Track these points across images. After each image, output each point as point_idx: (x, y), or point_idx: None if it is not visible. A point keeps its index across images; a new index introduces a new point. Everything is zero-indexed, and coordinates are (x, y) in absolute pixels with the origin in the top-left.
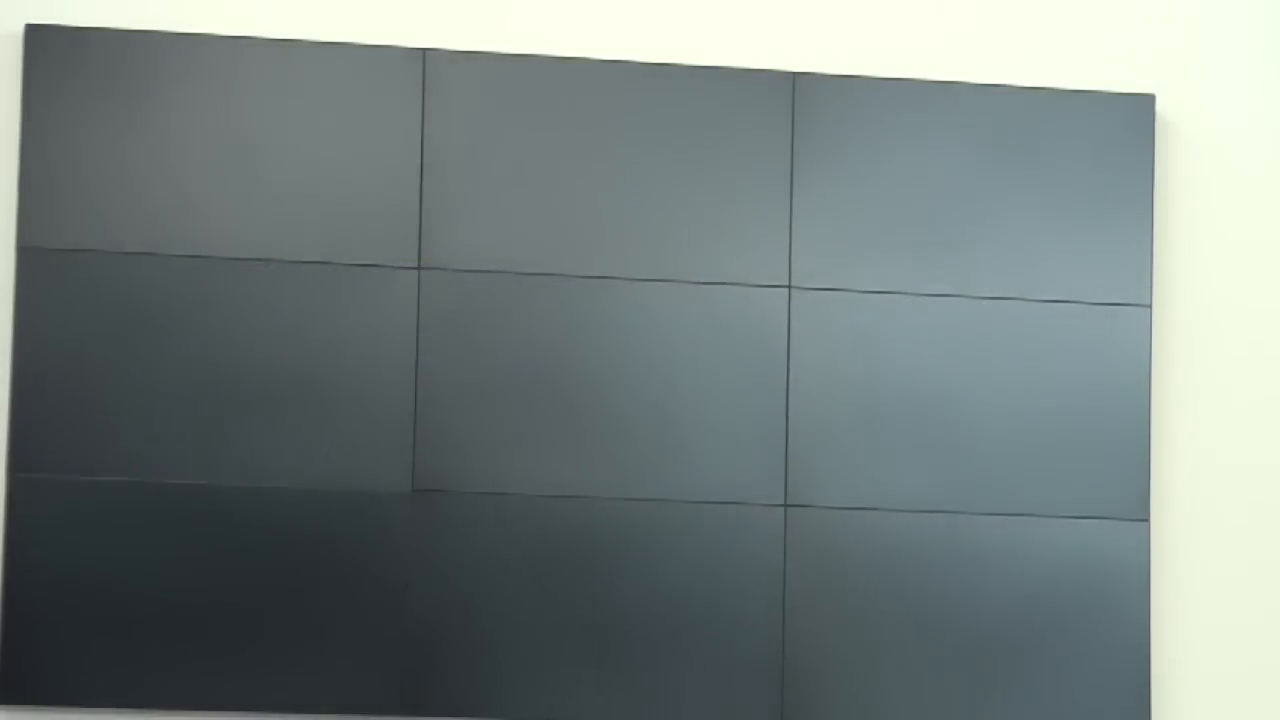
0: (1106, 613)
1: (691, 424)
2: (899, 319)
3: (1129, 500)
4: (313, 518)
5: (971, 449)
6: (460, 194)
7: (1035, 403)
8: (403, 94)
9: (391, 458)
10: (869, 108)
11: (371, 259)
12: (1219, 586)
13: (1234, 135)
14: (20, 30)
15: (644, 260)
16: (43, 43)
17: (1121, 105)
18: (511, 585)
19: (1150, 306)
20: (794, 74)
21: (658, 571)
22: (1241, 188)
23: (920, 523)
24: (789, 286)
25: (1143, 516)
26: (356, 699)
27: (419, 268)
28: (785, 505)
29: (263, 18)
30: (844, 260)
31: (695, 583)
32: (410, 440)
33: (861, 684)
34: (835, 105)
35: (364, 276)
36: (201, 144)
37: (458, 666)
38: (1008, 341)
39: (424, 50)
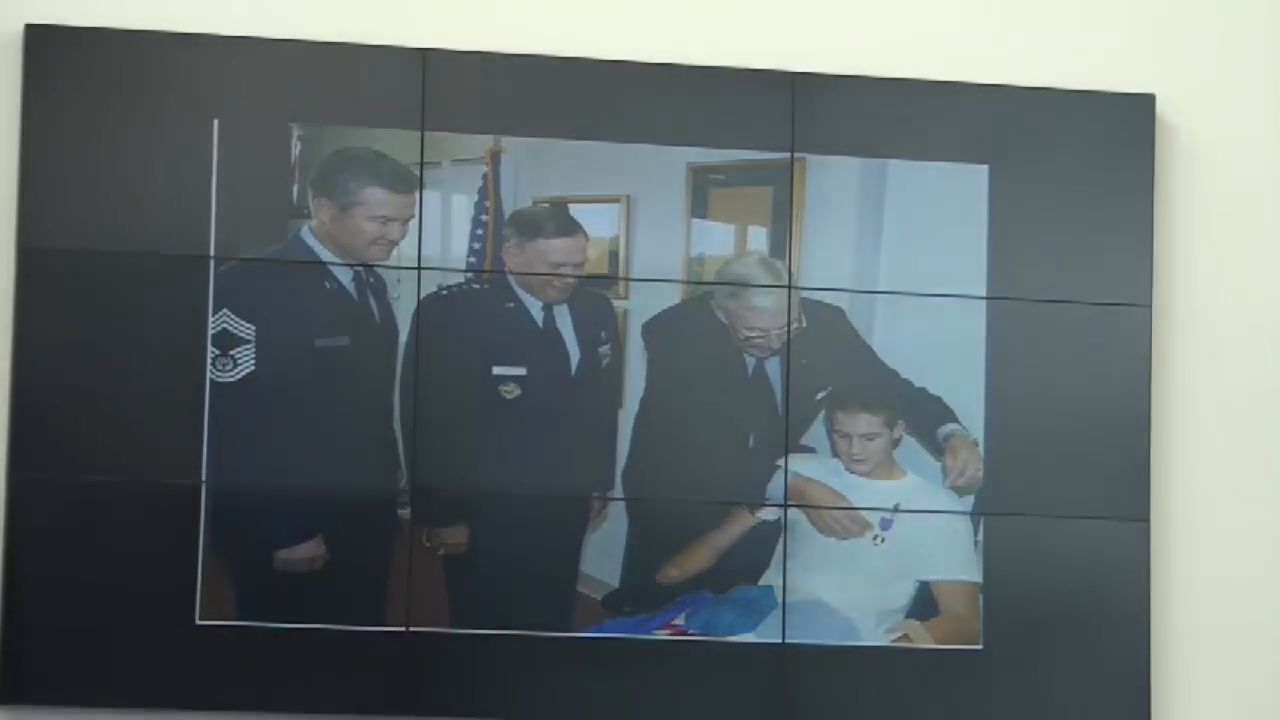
0: (1106, 613)
1: (692, 424)
2: (899, 319)
3: (1129, 500)
4: (312, 518)
5: (971, 449)
6: (460, 194)
7: (1035, 402)
8: (403, 94)
9: (391, 457)
10: (869, 108)
11: (372, 259)
12: (1219, 586)
13: (1234, 135)
14: (20, 30)
15: (645, 260)
16: (43, 43)
17: (1121, 105)
18: (510, 585)
19: (1150, 306)
20: (794, 74)
21: (657, 571)
22: (1241, 188)
23: (920, 522)
24: (789, 287)
25: (1143, 516)
26: (356, 699)
27: (419, 268)
28: (785, 505)
29: (263, 18)
30: (844, 260)
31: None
32: (410, 440)
33: (858, 681)
34: (835, 105)
35: (364, 276)
36: (201, 144)
37: (457, 667)
38: (1008, 341)
39: (424, 50)
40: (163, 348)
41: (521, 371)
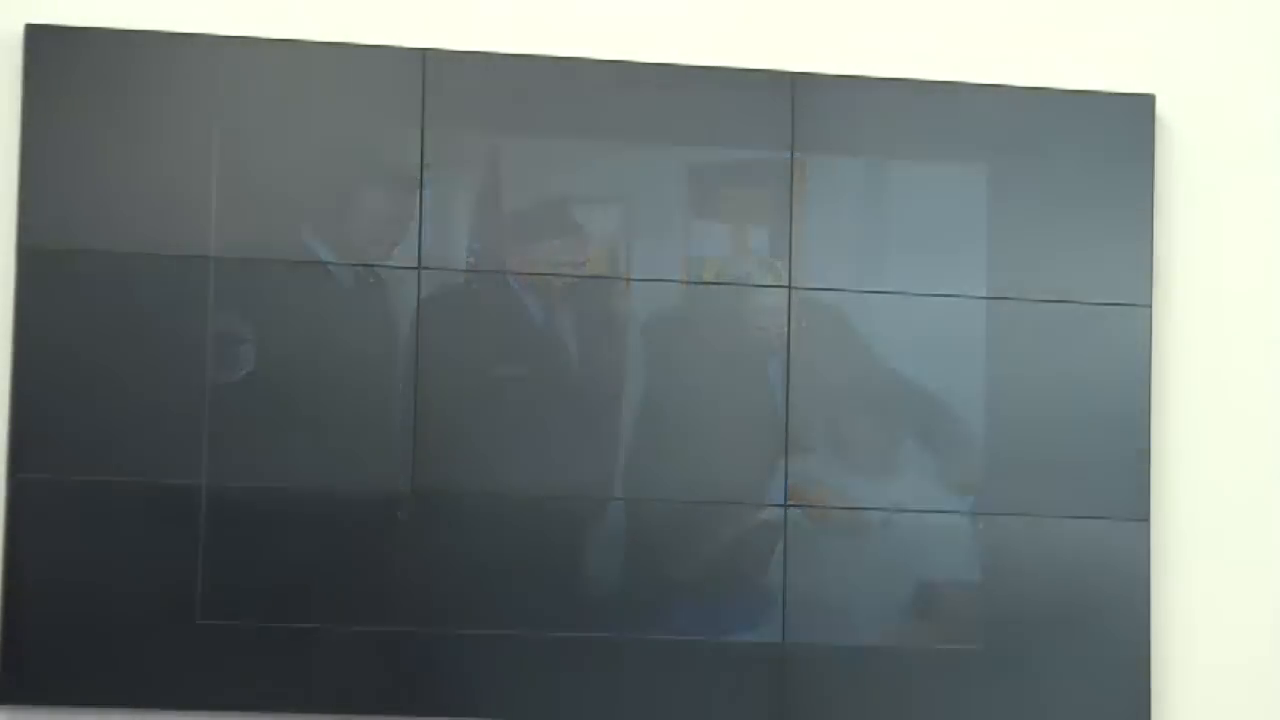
0: (1106, 612)
1: (692, 424)
2: (899, 319)
3: (1129, 500)
4: (313, 518)
5: (971, 449)
6: (460, 194)
7: (1035, 402)
8: (403, 94)
9: (391, 457)
10: (869, 108)
11: (372, 259)
12: (1219, 586)
13: (1234, 135)
14: (20, 30)
15: (645, 260)
16: (43, 43)
17: (1121, 105)
18: (510, 585)
19: (1150, 306)
20: (794, 74)
21: (657, 571)
22: (1241, 188)
23: (920, 522)
24: (789, 287)
25: (1143, 516)
26: (355, 699)
27: (419, 268)
28: (785, 505)
29: (263, 18)
30: (844, 260)
31: (698, 583)
32: (410, 440)
33: (858, 680)
34: (835, 105)
35: (364, 276)
36: (201, 144)
37: (457, 667)
38: (1008, 341)
39: (424, 50)
40: (163, 348)
41: (521, 371)
